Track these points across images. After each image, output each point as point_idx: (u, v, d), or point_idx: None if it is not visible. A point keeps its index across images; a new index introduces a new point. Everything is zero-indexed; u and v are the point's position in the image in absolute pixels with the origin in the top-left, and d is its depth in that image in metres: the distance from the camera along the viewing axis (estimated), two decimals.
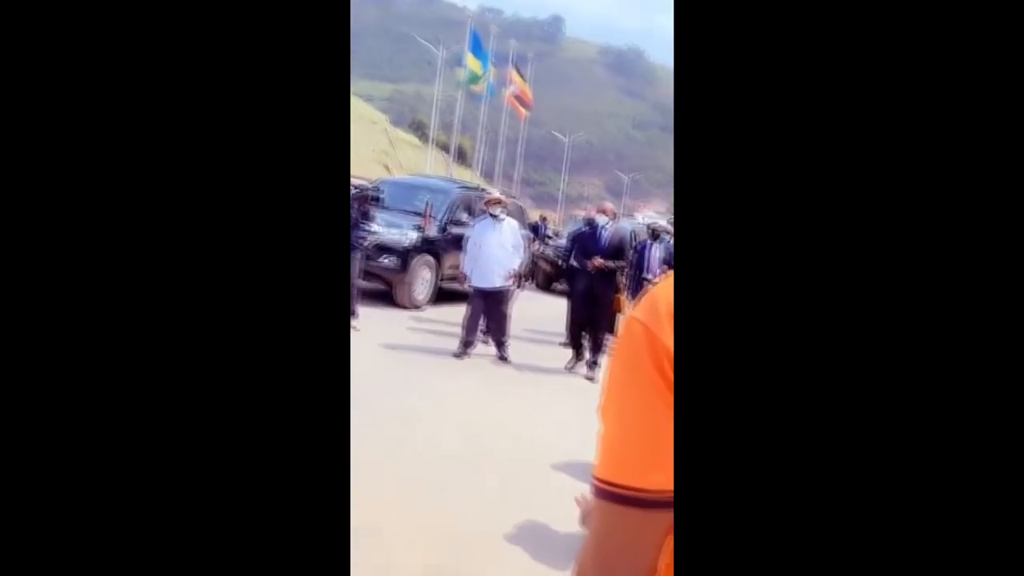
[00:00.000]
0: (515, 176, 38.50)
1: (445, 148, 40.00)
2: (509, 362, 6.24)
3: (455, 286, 9.01)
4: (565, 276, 9.70)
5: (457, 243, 8.41)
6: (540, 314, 8.97)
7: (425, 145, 36.84)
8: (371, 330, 6.65)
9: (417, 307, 8.48)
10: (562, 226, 16.16)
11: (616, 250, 6.06)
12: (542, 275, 13.31)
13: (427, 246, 8.65)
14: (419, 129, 46.80)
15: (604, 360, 6.20)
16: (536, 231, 14.87)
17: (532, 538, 2.99)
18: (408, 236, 8.34)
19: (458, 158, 39.07)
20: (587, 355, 6.21)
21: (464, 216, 9.20)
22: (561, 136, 55.14)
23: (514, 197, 10.74)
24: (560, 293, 11.61)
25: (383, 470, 3.49)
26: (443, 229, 8.81)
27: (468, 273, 6.36)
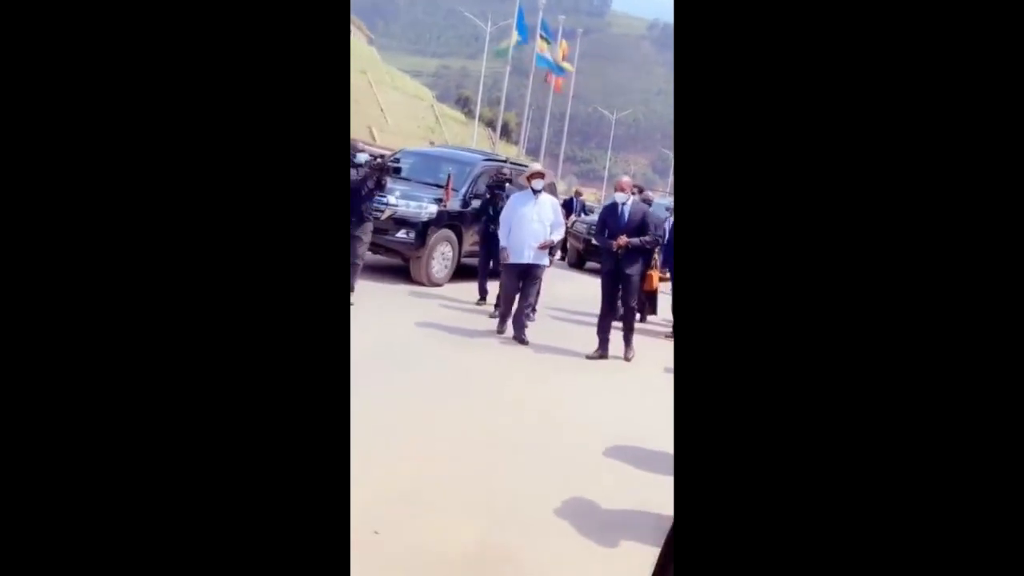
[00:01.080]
0: (560, 153, 38.18)
1: (491, 124, 39.81)
2: (525, 343, 6.05)
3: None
4: (596, 254, 9.47)
5: (478, 217, 8.18)
6: (570, 293, 8.75)
7: (471, 121, 36.69)
8: (384, 306, 6.63)
9: (435, 284, 8.11)
10: (599, 204, 15.72)
11: (638, 226, 5.81)
12: (574, 252, 12.99)
13: (447, 220, 8.21)
14: (465, 105, 46.67)
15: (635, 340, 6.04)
16: (569, 207, 14.56)
17: (578, 514, 2.98)
18: (426, 210, 7.88)
19: (503, 134, 38.87)
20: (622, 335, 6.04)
21: (482, 189, 8.70)
22: (607, 113, 54.41)
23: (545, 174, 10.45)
24: (592, 271, 11.39)
25: (420, 447, 3.46)
26: (466, 203, 8.38)
27: (504, 246, 6.15)
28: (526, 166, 8.63)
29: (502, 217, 6.27)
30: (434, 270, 8.19)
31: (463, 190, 8.48)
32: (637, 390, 5.24)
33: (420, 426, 3.72)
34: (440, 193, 8.15)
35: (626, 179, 6.10)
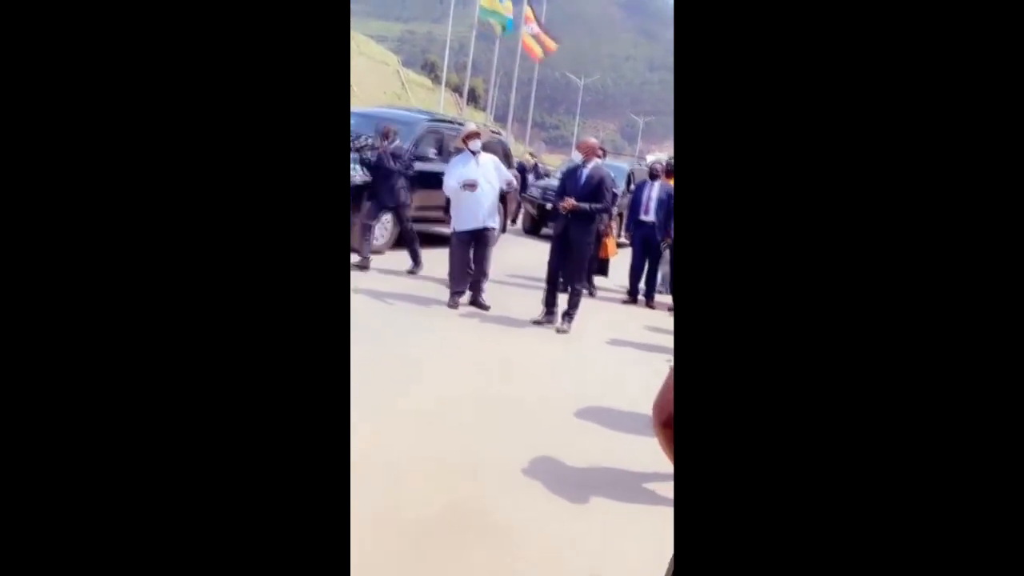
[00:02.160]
0: (528, 119, 37.80)
1: (457, 90, 39.24)
2: (486, 307, 5.89)
3: (424, 228, 8.31)
4: (550, 219, 9.27)
5: (423, 181, 7.71)
6: (522, 260, 8.50)
7: (437, 87, 36.12)
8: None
9: (374, 252, 7.39)
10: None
11: (593, 191, 5.50)
12: (528, 218, 12.34)
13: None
14: (431, 70, 45.95)
15: (579, 312, 5.82)
16: (522, 171, 14.19)
17: (546, 473, 3.03)
18: (358, 172, 7.23)
19: (470, 100, 38.35)
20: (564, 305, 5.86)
21: (431, 152, 8.36)
22: (575, 78, 53.95)
23: (497, 132, 9.78)
24: (548, 237, 11.13)
25: (393, 412, 3.44)
26: (407, 166, 7.62)
27: (453, 219, 5.89)
28: (456, 122, 8.30)
29: (445, 184, 5.95)
30: (371, 236, 7.46)
31: (403, 152, 7.71)
32: (599, 354, 5.23)
33: (389, 394, 3.67)
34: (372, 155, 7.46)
35: (591, 140, 5.91)
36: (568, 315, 5.73)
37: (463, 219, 5.87)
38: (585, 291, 6.52)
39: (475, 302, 6.01)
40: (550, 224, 10.47)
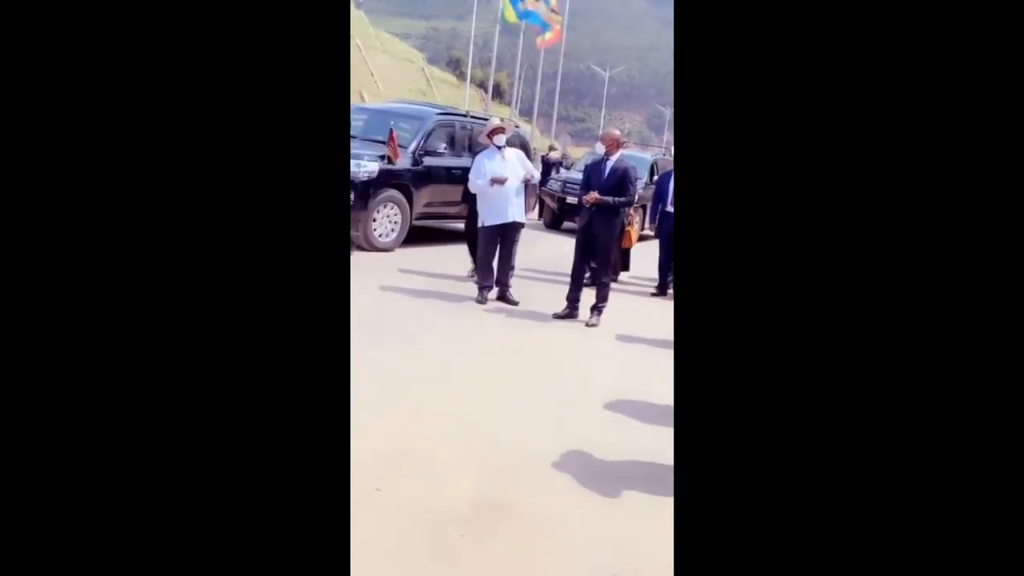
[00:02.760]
0: (554, 112, 37.73)
1: (482, 85, 39.17)
2: (514, 303, 5.92)
3: (432, 224, 8.27)
4: (571, 213, 8.93)
5: (432, 176, 7.66)
6: (545, 254, 8.49)
7: (463, 83, 36.15)
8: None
9: (382, 249, 7.42)
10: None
11: (617, 184, 5.54)
12: (548, 212, 12.10)
13: (393, 180, 7.44)
14: (456, 67, 45.95)
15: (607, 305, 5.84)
16: (547, 165, 13.53)
17: (576, 467, 3.04)
18: (365, 168, 7.12)
19: (495, 95, 38.30)
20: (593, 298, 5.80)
21: (442, 147, 8.09)
22: (600, 70, 53.60)
23: (517, 126, 9.64)
24: (570, 231, 10.62)
25: (423, 407, 3.49)
26: (416, 161, 7.65)
27: (481, 214, 5.93)
28: (486, 119, 8.11)
29: (471, 180, 6.00)
30: (378, 233, 7.50)
31: (412, 146, 7.76)
32: (628, 347, 5.24)
33: (417, 387, 3.73)
34: (385, 150, 7.41)
35: (614, 132, 5.83)
36: (597, 309, 5.75)
37: (491, 214, 5.93)
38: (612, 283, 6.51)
39: (503, 297, 6.07)
40: (574, 218, 10.40)
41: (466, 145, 8.47)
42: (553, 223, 12.03)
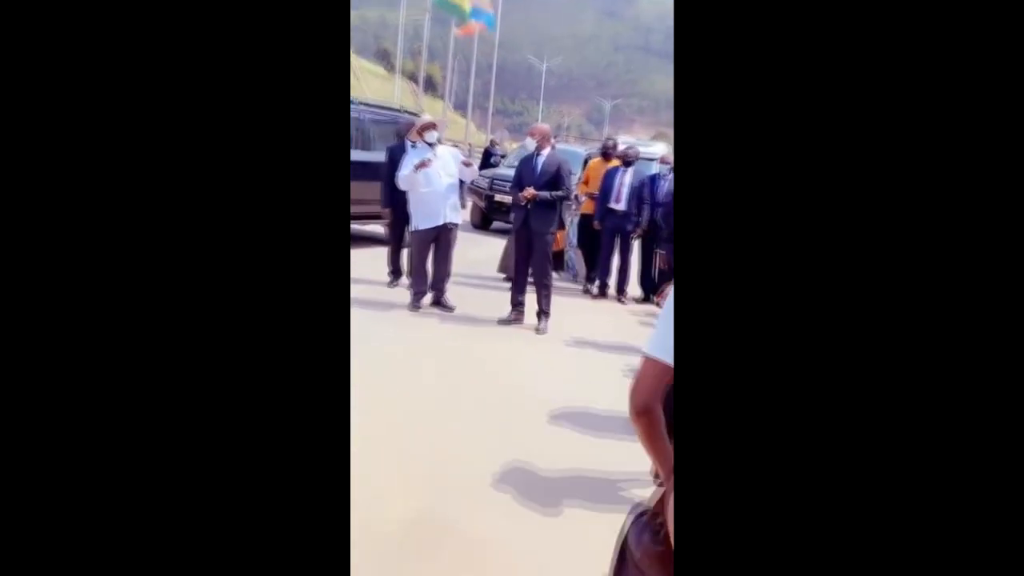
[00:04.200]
0: (489, 106, 37.69)
1: (413, 78, 38.93)
2: (450, 308, 5.85)
3: (361, 227, 8.26)
4: (508, 211, 8.54)
5: (360, 175, 7.67)
6: (476, 257, 8.31)
7: (392, 75, 35.83)
8: None
9: None
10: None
11: (552, 178, 5.50)
12: (476, 212, 11.60)
13: None
14: (385, 58, 45.52)
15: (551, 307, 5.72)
16: (488, 158, 13.37)
17: (519, 481, 3.01)
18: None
19: (427, 88, 38.05)
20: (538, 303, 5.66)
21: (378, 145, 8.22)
22: (537, 62, 53.95)
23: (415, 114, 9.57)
24: (500, 232, 10.54)
25: (356, 422, 3.34)
26: None
27: (413, 217, 5.77)
28: (414, 115, 8.07)
29: (401, 179, 5.79)
30: None
31: None
32: (572, 354, 5.18)
33: (352, 404, 3.57)
34: None
35: (543, 126, 5.79)
36: (543, 313, 5.67)
37: (424, 217, 5.75)
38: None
39: (438, 302, 5.92)
40: (503, 217, 10.22)
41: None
42: (481, 222, 11.59)
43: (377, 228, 8.58)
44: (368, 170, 7.64)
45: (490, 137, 19.08)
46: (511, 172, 10.45)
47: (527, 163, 5.68)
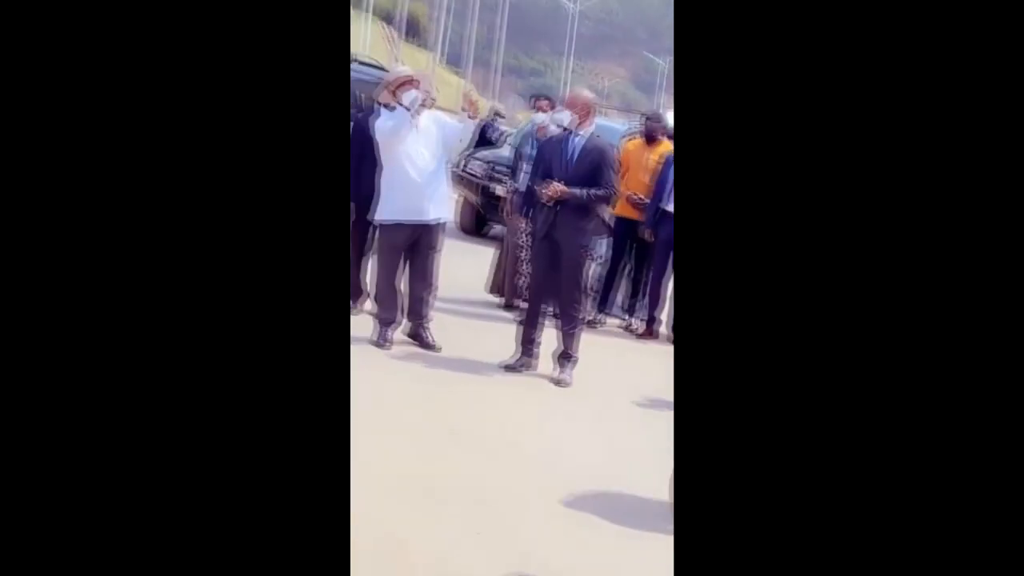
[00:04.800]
0: (495, 61, 37.93)
1: (387, 18, 39.29)
2: (432, 347, 5.89)
3: None
4: (520, 210, 8.71)
5: None
6: (466, 273, 8.11)
7: (360, 15, 36.13)
8: None
9: None
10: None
11: (591, 170, 5.40)
12: (468, 210, 11.43)
13: None
14: None
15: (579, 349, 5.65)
16: (483, 134, 13.36)
17: None
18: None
19: (409, 33, 38.38)
20: (557, 341, 5.65)
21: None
22: (567, 2, 54.40)
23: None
24: (496, 238, 10.03)
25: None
26: None
27: (379, 202, 5.71)
28: (377, 67, 8.15)
29: (378, 129, 5.73)
30: None
31: None
32: (597, 415, 5.14)
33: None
34: None
35: (586, 93, 5.71)
36: (567, 357, 5.64)
37: (396, 204, 5.69)
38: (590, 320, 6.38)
39: (416, 336, 5.89)
40: (496, 218, 10.06)
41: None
42: (474, 226, 11.48)
43: None
44: None
45: (492, 105, 18.96)
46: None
47: (555, 146, 5.58)
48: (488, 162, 11.01)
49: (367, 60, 9.53)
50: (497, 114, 15.88)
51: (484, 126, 14.01)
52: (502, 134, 13.67)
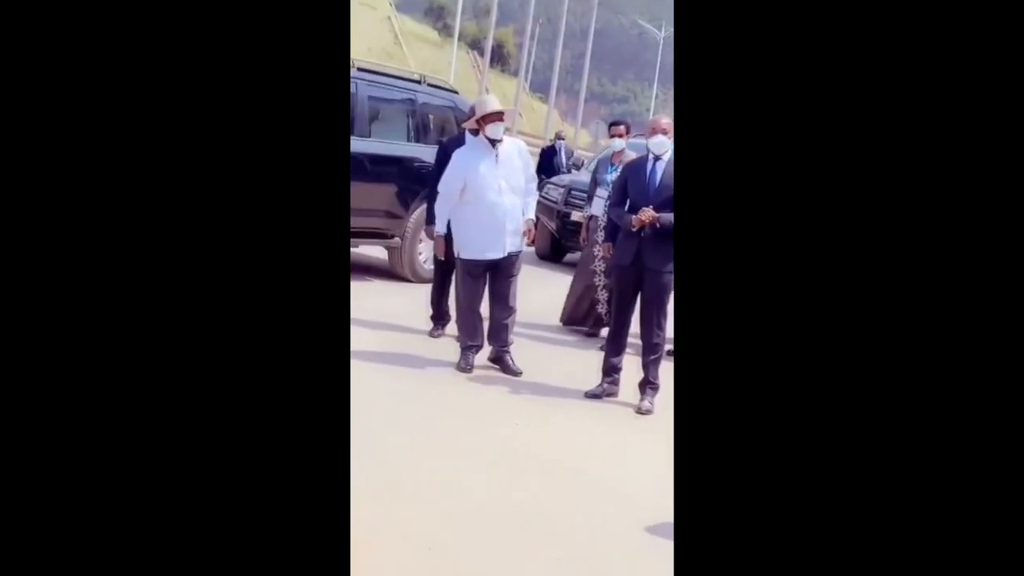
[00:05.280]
0: (581, 88, 38.03)
1: (475, 45, 39.66)
2: (515, 372, 5.87)
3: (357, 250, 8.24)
4: (607, 237, 8.66)
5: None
6: (544, 299, 8.08)
7: (447, 40, 36.57)
8: None
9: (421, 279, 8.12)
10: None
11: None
12: (544, 235, 10.97)
13: None
14: (439, 17, 46.52)
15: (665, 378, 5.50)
16: (549, 158, 12.68)
17: None
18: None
19: (495, 60, 38.72)
20: (645, 371, 5.54)
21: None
22: (653, 29, 54.37)
23: (561, 136, 9.29)
24: (573, 264, 9.95)
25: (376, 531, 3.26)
26: None
27: (453, 239, 5.72)
28: (445, 88, 8.21)
29: (443, 185, 5.82)
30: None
31: None
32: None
33: (371, 501, 3.50)
34: None
35: (664, 120, 5.52)
36: (650, 385, 5.56)
37: (476, 241, 5.71)
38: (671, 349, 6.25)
39: (499, 361, 5.87)
40: (575, 244, 10.00)
41: (418, 127, 8.45)
42: (551, 252, 11.35)
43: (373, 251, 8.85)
44: (363, 166, 7.76)
45: (556, 130, 18.69)
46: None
47: (637, 172, 5.52)
48: (563, 186, 10.97)
49: (439, 83, 9.40)
50: (558, 135, 15.72)
51: (544, 149, 13.83)
52: (570, 160, 13.48)
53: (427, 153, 8.15)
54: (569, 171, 12.38)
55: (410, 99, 8.40)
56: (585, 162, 13.19)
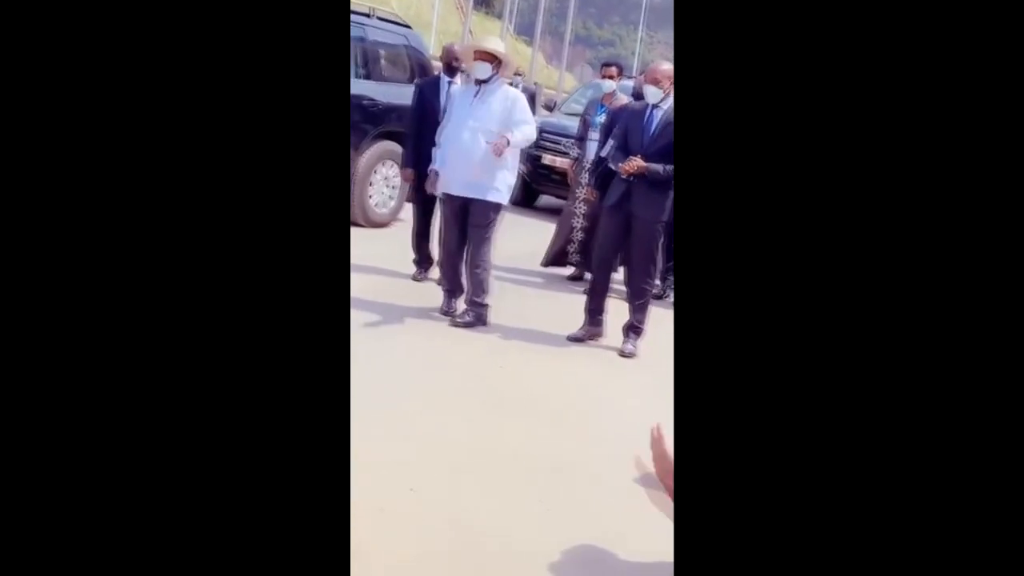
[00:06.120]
0: (566, 31, 37.68)
1: None
2: (486, 324, 5.76)
3: None
4: (563, 180, 8.23)
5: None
6: (522, 246, 8.08)
7: None
8: None
9: (375, 224, 8.20)
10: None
11: (671, 146, 5.19)
12: (517, 181, 10.63)
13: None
14: None
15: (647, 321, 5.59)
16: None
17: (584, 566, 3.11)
18: None
19: (479, 2, 38.31)
20: (628, 314, 5.61)
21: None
22: None
23: (519, 73, 9.02)
24: (550, 210, 10.44)
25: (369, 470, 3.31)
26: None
27: (441, 174, 5.66)
28: (397, 22, 8.22)
29: (439, 132, 5.79)
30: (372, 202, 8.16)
31: None
32: (667, 386, 5.03)
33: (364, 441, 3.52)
34: None
35: (666, 66, 5.47)
36: (634, 329, 5.60)
37: (443, 176, 5.66)
38: (656, 294, 6.26)
39: (471, 316, 5.75)
40: (554, 188, 10.09)
41: (367, 64, 8.20)
42: (523, 197, 10.85)
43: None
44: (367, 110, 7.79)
45: (535, 81, 18.29)
46: (570, 122, 9.81)
47: (633, 118, 5.49)
48: (547, 129, 10.47)
49: (391, 17, 9.04)
50: (516, 73, 15.31)
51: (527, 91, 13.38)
52: (533, 96, 13.04)
53: (377, 91, 8.06)
54: (535, 112, 12.00)
55: (359, 36, 8.04)
56: (557, 103, 12.91)
